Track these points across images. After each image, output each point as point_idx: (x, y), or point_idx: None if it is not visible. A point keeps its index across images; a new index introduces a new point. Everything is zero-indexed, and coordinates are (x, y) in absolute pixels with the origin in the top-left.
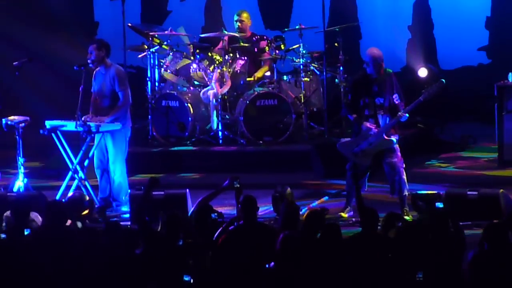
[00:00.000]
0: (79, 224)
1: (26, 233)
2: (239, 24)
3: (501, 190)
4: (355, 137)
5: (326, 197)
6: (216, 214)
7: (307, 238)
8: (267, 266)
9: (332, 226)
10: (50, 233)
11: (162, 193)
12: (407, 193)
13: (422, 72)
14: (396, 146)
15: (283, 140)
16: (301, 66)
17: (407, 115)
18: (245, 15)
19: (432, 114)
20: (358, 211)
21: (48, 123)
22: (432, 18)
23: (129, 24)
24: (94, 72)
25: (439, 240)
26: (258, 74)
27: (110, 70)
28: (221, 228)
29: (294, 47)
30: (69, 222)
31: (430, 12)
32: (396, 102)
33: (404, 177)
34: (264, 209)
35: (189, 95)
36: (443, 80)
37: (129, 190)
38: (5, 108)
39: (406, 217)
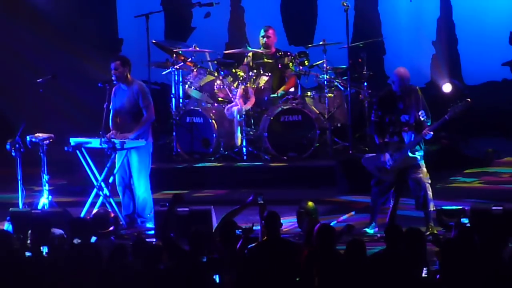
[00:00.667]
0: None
1: (44, 250)
2: (266, 40)
3: None
4: (380, 153)
5: (353, 212)
6: (240, 230)
7: (325, 253)
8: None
9: (356, 242)
10: (74, 250)
11: (187, 209)
12: (432, 209)
13: (447, 88)
14: (421, 162)
15: (308, 156)
16: (325, 82)
17: (431, 133)
18: (271, 31)
19: (456, 129)
20: (387, 227)
21: (73, 140)
22: (456, 33)
23: (153, 41)
24: (114, 88)
25: (467, 256)
26: (282, 90)
27: (133, 86)
28: (239, 244)
29: (318, 62)
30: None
31: (454, 28)
32: (422, 119)
33: (430, 192)
34: (289, 224)
35: (213, 111)
36: (469, 99)
37: (153, 207)
38: (30, 125)
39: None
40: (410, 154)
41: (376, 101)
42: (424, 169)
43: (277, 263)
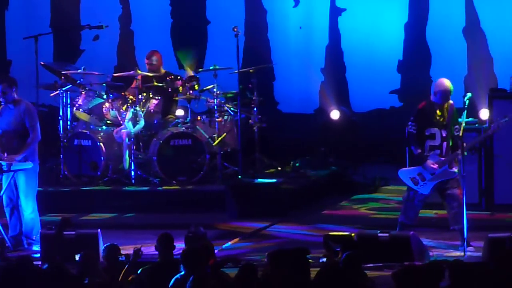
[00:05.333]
0: None
1: None
2: (149, 66)
3: (412, 232)
4: (418, 167)
5: (240, 237)
6: (124, 256)
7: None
8: None
9: (247, 267)
10: None
11: (73, 233)
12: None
13: (335, 115)
14: (459, 177)
15: (197, 180)
16: (215, 107)
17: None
18: (154, 57)
19: (345, 156)
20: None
21: None
22: (344, 61)
23: (42, 63)
24: (1, 109)
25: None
26: (172, 113)
27: (20, 106)
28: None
29: (208, 87)
30: None
31: (343, 55)
32: (456, 133)
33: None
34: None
35: (102, 134)
36: (507, 116)
37: (40, 229)
38: None
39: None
40: (448, 168)
41: (415, 112)
42: (461, 185)
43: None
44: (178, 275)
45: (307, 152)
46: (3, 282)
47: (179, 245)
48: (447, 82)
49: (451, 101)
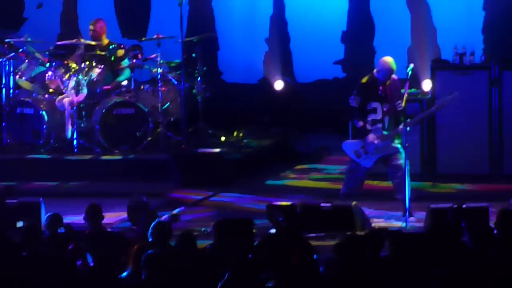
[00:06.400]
0: None
1: None
2: (93, 33)
3: (354, 202)
4: (361, 140)
5: (183, 208)
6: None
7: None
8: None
9: (185, 234)
10: None
11: (16, 201)
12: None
13: (278, 85)
14: (401, 150)
15: (141, 150)
16: (159, 76)
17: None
18: (97, 26)
19: (288, 125)
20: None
21: None
22: (289, 31)
23: None
24: None
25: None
26: (115, 82)
27: None
28: None
29: (152, 56)
30: None
31: (287, 26)
32: (399, 109)
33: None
34: (119, 217)
35: (44, 102)
36: (457, 93)
37: None
38: None
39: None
40: (391, 144)
41: (358, 86)
42: (403, 157)
43: (100, 257)
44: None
45: (251, 122)
46: None
47: (123, 215)
48: (390, 61)
49: (394, 76)
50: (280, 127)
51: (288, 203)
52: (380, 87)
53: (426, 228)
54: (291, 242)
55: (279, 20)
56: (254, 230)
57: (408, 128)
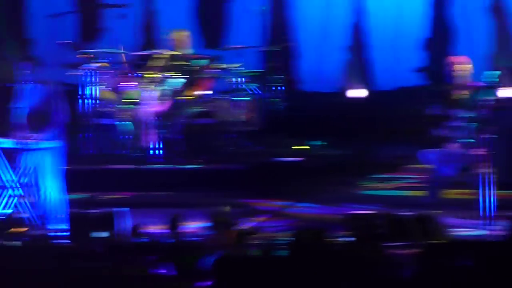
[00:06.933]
0: None
1: None
2: (175, 43)
3: (436, 211)
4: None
5: (265, 216)
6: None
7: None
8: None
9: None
10: None
11: (97, 211)
12: None
13: (358, 93)
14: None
15: (221, 159)
16: (239, 86)
17: None
18: (181, 34)
19: (368, 134)
20: None
21: None
22: (369, 39)
23: (66, 41)
24: (26, 88)
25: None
26: (197, 92)
27: (46, 87)
28: None
29: (232, 66)
30: None
31: (367, 33)
32: (481, 117)
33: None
34: (198, 228)
35: (126, 113)
36: None
37: (66, 208)
38: None
39: None
40: (472, 152)
41: (439, 94)
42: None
43: (182, 266)
44: None
45: (330, 131)
46: (28, 259)
47: (201, 224)
48: (468, 68)
49: (477, 83)
50: (359, 136)
51: (368, 212)
52: (462, 93)
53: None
54: (371, 251)
55: (359, 28)
56: (329, 240)
57: (489, 136)
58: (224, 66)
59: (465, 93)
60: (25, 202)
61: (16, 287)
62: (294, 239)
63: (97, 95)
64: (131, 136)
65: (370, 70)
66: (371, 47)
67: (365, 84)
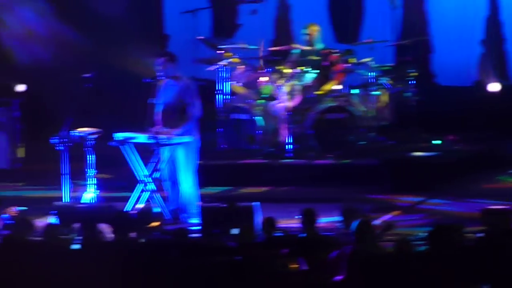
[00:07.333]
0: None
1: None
2: (307, 38)
3: None
4: None
5: (398, 211)
6: (278, 232)
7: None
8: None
9: (404, 241)
10: (117, 244)
11: (229, 205)
12: None
13: (494, 87)
14: None
15: (353, 154)
16: (371, 80)
17: None
18: (313, 29)
19: (503, 129)
20: None
21: (118, 135)
22: (505, 32)
23: (200, 37)
24: (161, 84)
25: None
26: (328, 87)
27: (180, 82)
28: None
29: (364, 60)
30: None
31: (503, 26)
32: None
33: None
34: (329, 223)
35: (259, 108)
36: None
37: (198, 203)
38: (76, 120)
39: None
40: None
41: None
42: None
43: (315, 261)
44: None
45: (464, 125)
46: (161, 253)
47: (333, 219)
48: None
49: None
50: (495, 130)
51: (505, 207)
52: None
53: None
54: (505, 246)
55: (494, 21)
56: (466, 235)
57: None
58: (356, 60)
59: None
60: (158, 197)
61: (150, 280)
62: (432, 234)
63: (230, 90)
64: (263, 131)
65: (505, 63)
66: (506, 40)
67: (500, 77)
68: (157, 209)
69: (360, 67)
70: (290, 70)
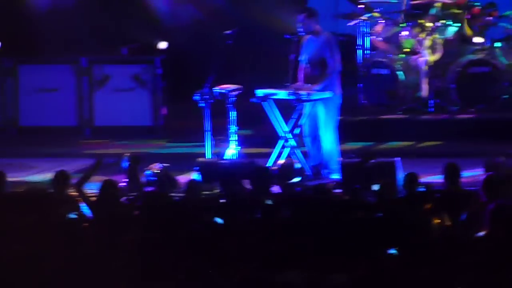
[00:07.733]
0: None
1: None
2: None
3: None
4: None
5: None
6: (422, 187)
7: None
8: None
9: None
10: (256, 199)
11: (373, 161)
12: None
13: None
14: None
15: (496, 108)
16: None
17: None
18: None
19: None
20: None
21: (260, 91)
22: None
23: None
24: (303, 40)
25: None
26: (470, 40)
27: (320, 38)
28: None
29: (507, 13)
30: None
31: None
32: None
33: None
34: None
35: (400, 62)
36: None
37: (339, 159)
38: (218, 76)
39: None
40: None
41: None
42: None
43: (457, 216)
44: None
45: None
46: (301, 208)
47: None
48: None
49: None
50: None
51: None
52: None
53: None
54: None
55: None
56: None
57: None
58: (499, 13)
59: None
60: (299, 153)
61: (293, 235)
62: None
63: (370, 45)
64: (404, 86)
65: None
66: None
67: None
68: (298, 165)
69: (503, 20)
70: (431, 24)
